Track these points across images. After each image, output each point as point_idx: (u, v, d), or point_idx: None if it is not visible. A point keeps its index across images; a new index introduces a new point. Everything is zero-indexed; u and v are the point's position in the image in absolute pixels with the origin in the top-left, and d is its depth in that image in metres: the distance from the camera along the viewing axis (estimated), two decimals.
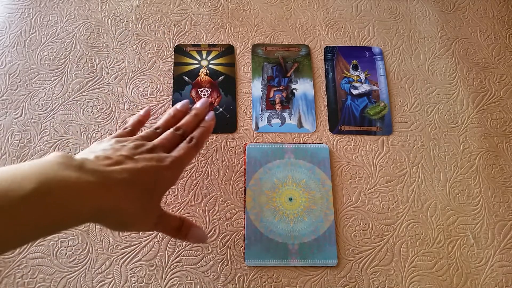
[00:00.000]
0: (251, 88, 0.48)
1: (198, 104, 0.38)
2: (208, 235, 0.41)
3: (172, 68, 0.49)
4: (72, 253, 0.39)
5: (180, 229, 0.34)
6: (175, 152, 0.32)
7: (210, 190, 0.43)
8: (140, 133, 0.33)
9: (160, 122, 0.35)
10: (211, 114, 0.38)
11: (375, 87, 0.49)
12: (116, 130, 0.45)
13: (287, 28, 0.52)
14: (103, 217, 0.27)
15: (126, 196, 0.27)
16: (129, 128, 0.35)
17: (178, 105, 0.37)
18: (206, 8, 0.53)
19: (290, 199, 0.42)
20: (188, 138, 0.34)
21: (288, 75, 0.49)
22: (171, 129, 0.34)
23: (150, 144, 0.31)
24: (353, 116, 0.47)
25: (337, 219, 0.42)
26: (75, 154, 0.35)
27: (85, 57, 0.49)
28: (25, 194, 0.22)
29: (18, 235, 0.22)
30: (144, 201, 0.29)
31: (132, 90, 0.47)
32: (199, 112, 0.37)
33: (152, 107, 0.46)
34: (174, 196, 0.42)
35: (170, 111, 0.37)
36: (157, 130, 0.34)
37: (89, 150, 0.30)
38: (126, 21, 0.52)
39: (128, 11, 0.52)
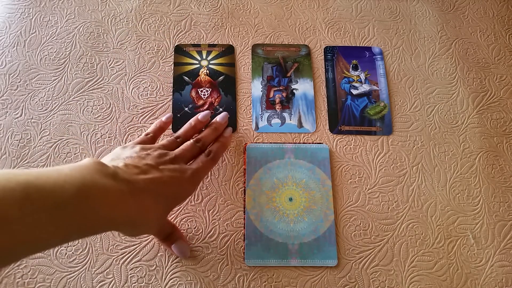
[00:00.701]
0: (251, 88, 0.48)
1: (218, 118, 0.39)
2: (208, 235, 0.41)
3: (172, 68, 0.49)
4: (72, 253, 0.39)
5: (169, 236, 0.36)
6: (195, 165, 0.33)
7: (210, 190, 0.43)
8: (161, 141, 0.34)
9: (180, 131, 0.37)
10: (229, 130, 0.40)
11: (375, 87, 0.49)
12: (116, 130, 0.45)
13: (287, 28, 0.52)
14: (125, 225, 0.27)
15: (151, 205, 0.28)
16: (150, 135, 0.36)
17: (200, 116, 0.38)
18: (206, 8, 0.53)
19: (290, 199, 0.42)
20: (206, 151, 0.35)
21: (288, 75, 0.49)
22: (192, 141, 0.35)
23: (172, 154, 0.32)
24: (353, 116, 0.47)
25: (337, 219, 0.42)
26: (100, 158, 0.35)
27: (85, 57, 0.49)
28: (68, 197, 0.23)
29: (55, 236, 0.23)
30: (163, 210, 0.31)
31: (132, 90, 0.47)
32: (218, 126, 0.39)
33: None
34: None
35: (191, 121, 0.38)
36: (178, 140, 0.35)
37: (116, 156, 0.30)
38: (126, 21, 0.52)
39: (128, 11, 0.52)
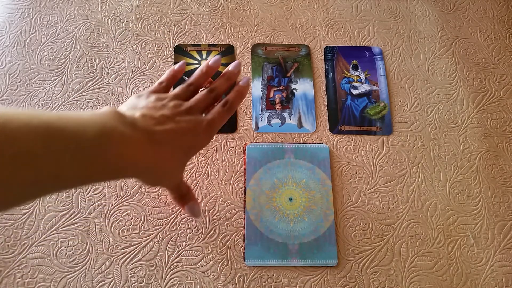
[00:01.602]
0: (251, 88, 0.48)
1: (231, 67, 0.36)
2: (208, 235, 0.41)
3: None
4: (72, 253, 0.39)
5: (184, 197, 0.37)
6: (210, 115, 0.33)
7: (210, 190, 0.43)
8: (174, 90, 0.33)
9: (192, 78, 0.35)
10: (246, 79, 0.37)
11: (375, 87, 0.49)
12: None
13: (287, 28, 0.52)
14: (144, 173, 0.29)
15: (168, 156, 0.29)
16: (164, 83, 0.35)
17: (210, 61, 0.36)
18: (206, 8, 0.53)
19: (290, 199, 0.42)
20: (223, 102, 0.34)
21: (288, 75, 0.49)
22: (205, 91, 0.34)
23: (187, 104, 0.32)
24: (353, 116, 0.47)
25: (337, 219, 0.42)
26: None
27: (85, 57, 0.49)
28: (89, 140, 0.23)
29: (78, 176, 0.24)
30: (180, 161, 0.32)
31: (132, 90, 0.47)
32: (231, 76, 0.36)
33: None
34: None
35: (202, 67, 0.36)
36: (190, 87, 0.34)
37: (131, 106, 0.31)
38: (126, 21, 0.52)
39: (128, 11, 0.52)
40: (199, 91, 0.35)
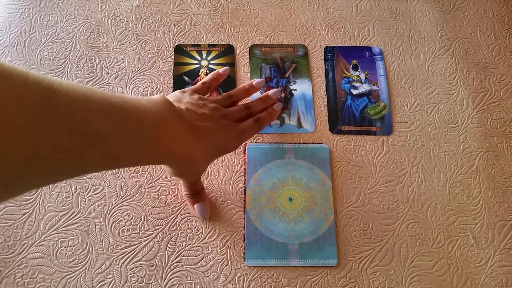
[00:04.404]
0: None
1: (270, 93, 0.41)
2: (208, 235, 0.41)
3: (172, 68, 0.49)
4: (72, 253, 0.39)
5: (196, 195, 0.39)
6: (243, 125, 0.36)
7: (210, 190, 0.43)
8: (216, 96, 0.37)
9: (234, 91, 0.39)
10: (279, 104, 0.42)
11: (375, 87, 0.49)
12: None
13: (287, 28, 0.52)
14: (179, 163, 0.31)
15: (203, 150, 0.32)
16: (206, 84, 0.38)
17: (254, 82, 0.40)
18: (206, 8, 0.53)
19: (290, 199, 0.42)
20: (255, 117, 0.38)
21: (286, 75, 0.49)
22: (242, 105, 0.38)
23: (225, 111, 0.35)
24: (353, 116, 0.47)
25: (337, 219, 0.42)
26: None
27: (85, 57, 0.49)
28: (149, 126, 0.26)
29: (130, 158, 0.26)
30: (210, 159, 0.34)
31: (132, 90, 0.47)
32: (267, 100, 0.41)
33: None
34: (174, 196, 0.42)
35: (246, 84, 0.40)
36: (230, 98, 0.38)
37: (177, 98, 0.33)
38: (126, 21, 0.52)
39: (128, 11, 0.52)
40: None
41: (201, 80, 0.48)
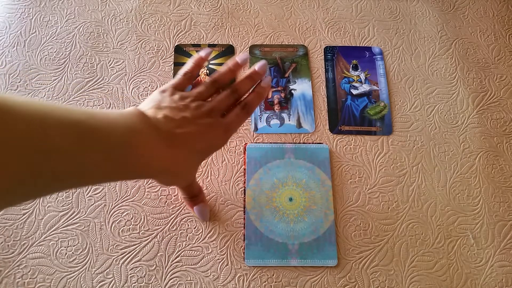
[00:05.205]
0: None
1: (256, 67, 0.36)
2: (208, 235, 0.41)
3: (172, 68, 0.49)
4: (72, 253, 0.39)
5: (195, 198, 0.38)
6: (229, 118, 0.33)
7: (210, 190, 0.43)
8: (199, 88, 0.33)
9: (218, 74, 0.35)
10: (267, 79, 0.37)
11: (375, 87, 0.49)
12: None
13: (287, 28, 0.52)
14: (160, 175, 0.30)
15: (183, 158, 0.30)
16: (189, 74, 0.35)
17: (238, 58, 0.35)
18: (206, 8, 0.53)
19: (290, 199, 0.42)
20: (242, 104, 0.34)
21: (286, 75, 0.49)
22: (228, 91, 0.34)
23: (209, 106, 0.32)
24: (353, 116, 0.47)
25: (337, 219, 0.42)
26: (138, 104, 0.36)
27: (85, 57, 0.49)
28: (117, 141, 0.25)
29: (99, 174, 0.25)
30: (195, 162, 0.33)
31: (132, 90, 0.47)
32: (255, 76, 0.36)
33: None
34: (174, 196, 0.42)
35: (230, 64, 0.35)
36: (214, 85, 0.34)
37: (155, 104, 0.31)
38: (126, 21, 0.52)
39: (128, 11, 0.52)
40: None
41: (201, 80, 0.48)
